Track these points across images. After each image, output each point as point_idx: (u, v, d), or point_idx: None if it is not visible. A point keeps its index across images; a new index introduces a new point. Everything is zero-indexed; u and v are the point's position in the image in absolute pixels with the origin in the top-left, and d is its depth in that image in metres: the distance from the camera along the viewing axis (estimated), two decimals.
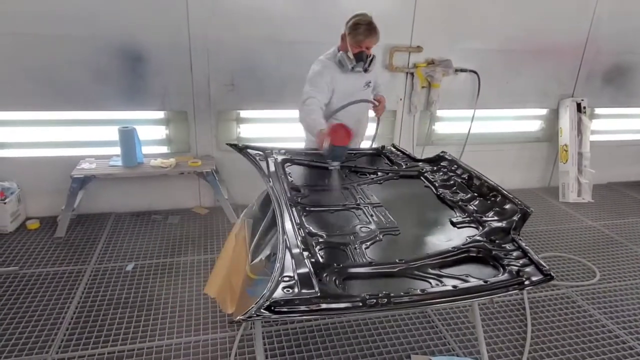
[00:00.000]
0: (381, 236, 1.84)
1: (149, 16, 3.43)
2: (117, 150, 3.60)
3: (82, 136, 3.75)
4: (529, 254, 1.67)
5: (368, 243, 1.78)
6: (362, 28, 2.56)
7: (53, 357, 2.33)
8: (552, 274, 1.56)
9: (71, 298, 2.79)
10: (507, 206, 2.00)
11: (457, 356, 2.47)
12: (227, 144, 2.75)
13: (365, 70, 2.73)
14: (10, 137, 3.63)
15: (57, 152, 3.71)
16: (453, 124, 4.54)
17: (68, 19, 3.31)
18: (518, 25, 4.20)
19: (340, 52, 2.67)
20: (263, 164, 2.40)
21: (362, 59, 2.64)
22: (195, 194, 4.10)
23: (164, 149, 3.95)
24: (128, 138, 3.52)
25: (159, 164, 3.63)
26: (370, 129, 3.22)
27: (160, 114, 3.82)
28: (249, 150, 2.57)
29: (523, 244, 1.74)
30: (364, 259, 1.66)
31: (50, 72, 3.42)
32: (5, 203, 3.43)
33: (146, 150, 3.75)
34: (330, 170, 2.46)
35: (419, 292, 1.46)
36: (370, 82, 2.87)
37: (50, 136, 3.68)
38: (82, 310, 2.69)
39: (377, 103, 2.94)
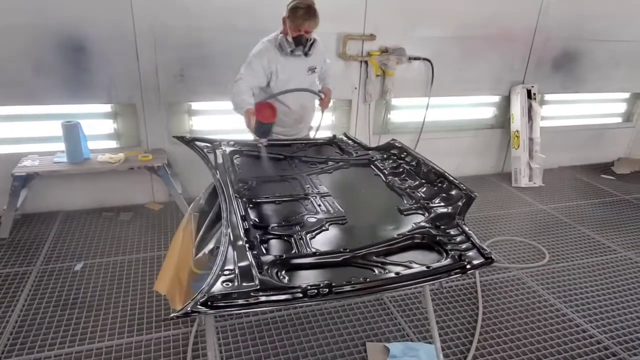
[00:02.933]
0: (328, 226, 1.82)
1: (91, 3, 3.26)
2: (61, 146, 3.44)
3: (24, 132, 3.56)
4: (471, 238, 1.69)
5: (314, 233, 1.76)
6: (301, 12, 2.52)
7: None
8: (493, 257, 1.59)
9: (15, 301, 2.67)
10: (453, 192, 2.03)
11: (412, 341, 2.50)
12: (174, 136, 2.67)
13: (306, 54, 2.70)
14: None
15: None
16: (408, 112, 4.58)
17: (5, 7, 3.11)
18: (470, 12, 4.25)
19: (281, 35, 2.66)
20: (211, 156, 2.35)
21: (302, 43, 2.63)
22: (147, 189, 3.98)
23: (113, 144, 3.80)
24: (72, 133, 3.37)
25: (107, 160, 3.49)
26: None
27: (107, 107, 3.67)
28: (196, 143, 2.51)
29: (466, 229, 1.77)
30: (308, 249, 1.64)
31: None
32: None
33: (94, 145, 3.61)
34: (260, 151, 2.54)
35: (361, 280, 1.46)
36: (315, 68, 2.83)
37: None
38: (27, 313, 2.57)
39: (322, 95, 2.90)
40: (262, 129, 2.51)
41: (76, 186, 3.73)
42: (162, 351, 2.35)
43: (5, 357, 2.25)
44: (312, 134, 3.14)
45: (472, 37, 4.37)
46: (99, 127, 3.71)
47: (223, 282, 1.37)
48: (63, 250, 3.23)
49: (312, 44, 2.68)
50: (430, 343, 2.47)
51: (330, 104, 3.00)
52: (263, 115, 2.44)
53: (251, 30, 3.59)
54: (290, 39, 2.62)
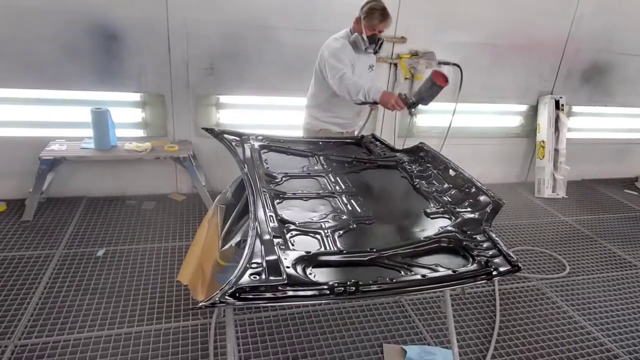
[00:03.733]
0: (354, 225, 1.82)
1: None
2: (89, 132, 3.49)
3: (53, 116, 3.63)
4: (498, 245, 1.68)
5: (341, 231, 1.76)
6: (378, 13, 2.75)
7: (16, 343, 2.27)
8: (520, 265, 1.57)
9: (37, 283, 2.72)
10: (481, 198, 2.01)
11: (429, 345, 2.49)
12: (203, 128, 2.69)
13: (375, 52, 2.94)
14: None
15: (25, 132, 3.58)
16: (435, 117, 4.54)
17: None
18: (502, 19, 4.21)
19: (355, 33, 2.83)
20: (239, 150, 2.36)
21: (374, 42, 2.85)
22: (172, 179, 4.03)
23: (140, 133, 3.85)
24: (101, 120, 3.42)
25: (133, 148, 3.54)
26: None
27: (136, 96, 3.72)
28: (225, 136, 2.52)
29: (493, 235, 1.75)
30: (335, 247, 1.64)
31: (19, 46, 3.27)
32: None
33: (121, 133, 3.65)
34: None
35: (387, 280, 1.45)
36: (373, 66, 3.05)
37: (18, 115, 3.55)
38: (48, 296, 2.62)
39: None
40: (435, 93, 2.61)
41: (101, 173, 3.80)
42: (181, 341, 2.37)
43: (25, 338, 2.30)
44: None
45: (502, 45, 4.32)
46: (127, 115, 3.77)
47: (251, 274, 1.38)
48: (86, 236, 3.29)
49: (381, 43, 2.90)
50: (447, 348, 2.46)
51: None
52: (441, 80, 2.54)
53: (281, 28, 3.63)
54: (365, 37, 2.80)
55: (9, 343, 2.26)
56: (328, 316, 2.64)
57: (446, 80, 2.56)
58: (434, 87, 2.58)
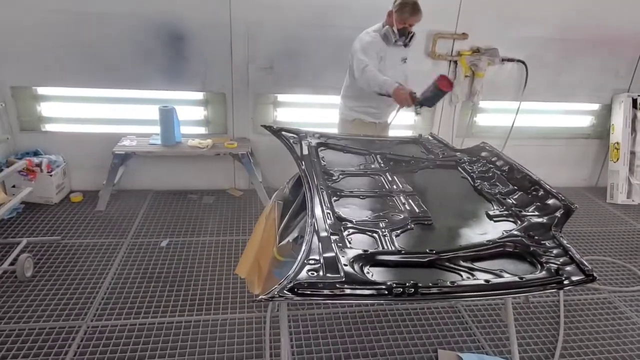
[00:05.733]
0: (412, 225, 1.79)
1: None
2: (157, 129, 3.69)
3: (125, 114, 3.86)
4: (570, 252, 1.58)
5: (398, 231, 1.73)
6: (409, 7, 2.86)
7: (88, 324, 2.43)
8: (595, 274, 1.47)
9: (108, 269, 2.90)
10: (550, 201, 1.90)
11: (487, 354, 2.39)
12: (262, 125, 2.75)
13: (405, 45, 3.03)
14: (58, 112, 3.79)
15: (101, 128, 3.85)
16: (496, 116, 4.37)
17: None
18: (572, 12, 3.97)
19: (387, 26, 2.94)
20: (297, 147, 2.39)
21: (404, 34, 2.95)
22: (230, 175, 4.15)
23: (202, 130, 4.01)
24: (168, 117, 3.60)
25: (196, 144, 3.69)
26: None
27: (199, 95, 3.87)
28: (283, 133, 2.56)
29: (564, 242, 1.65)
30: (393, 247, 1.62)
31: (96, 49, 3.52)
32: (51, 175, 3.59)
33: (185, 130, 3.82)
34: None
35: (448, 284, 1.41)
36: (406, 59, 3.14)
37: (94, 113, 3.82)
38: (117, 282, 2.79)
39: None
40: (437, 96, 2.73)
41: (166, 167, 3.99)
42: (237, 332, 2.44)
43: (97, 320, 2.46)
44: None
45: (573, 39, 4.07)
46: (191, 113, 3.93)
47: (308, 270, 1.39)
48: (152, 227, 3.46)
49: (412, 36, 2.99)
50: (506, 358, 2.34)
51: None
52: (444, 85, 2.66)
53: (339, 27, 3.63)
54: (395, 30, 2.91)
55: (82, 324, 2.43)
56: (381, 317, 2.61)
57: (451, 85, 2.71)
58: (437, 92, 2.68)
